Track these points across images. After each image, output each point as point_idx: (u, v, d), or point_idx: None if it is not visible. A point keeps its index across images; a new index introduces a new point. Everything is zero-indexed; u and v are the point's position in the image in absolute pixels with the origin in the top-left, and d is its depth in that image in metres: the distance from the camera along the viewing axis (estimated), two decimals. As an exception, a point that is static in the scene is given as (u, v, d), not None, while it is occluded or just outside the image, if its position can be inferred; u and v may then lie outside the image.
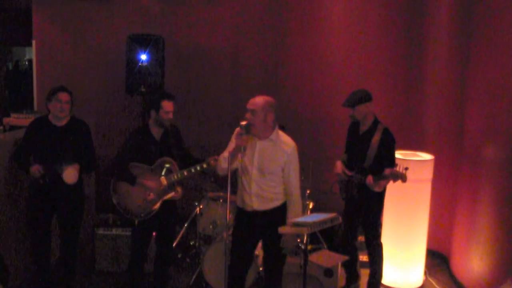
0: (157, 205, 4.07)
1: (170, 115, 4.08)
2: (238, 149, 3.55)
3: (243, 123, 3.55)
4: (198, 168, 4.08)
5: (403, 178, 3.97)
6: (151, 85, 5.49)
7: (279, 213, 3.73)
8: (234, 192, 3.84)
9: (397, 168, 3.98)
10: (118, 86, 5.88)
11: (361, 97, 4.22)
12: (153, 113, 4.07)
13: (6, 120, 5.67)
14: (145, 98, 4.13)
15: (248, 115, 3.61)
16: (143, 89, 5.48)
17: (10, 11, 8.99)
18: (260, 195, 3.68)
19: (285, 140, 3.72)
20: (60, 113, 4.09)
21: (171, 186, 4.11)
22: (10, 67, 11.46)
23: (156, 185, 4.05)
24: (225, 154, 3.65)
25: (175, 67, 6.09)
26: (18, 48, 11.73)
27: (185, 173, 4.08)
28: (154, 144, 4.10)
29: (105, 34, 6.34)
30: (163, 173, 4.09)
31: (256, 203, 3.69)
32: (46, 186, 4.07)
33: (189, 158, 4.29)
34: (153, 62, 5.53)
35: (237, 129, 3.56)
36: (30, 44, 6.61)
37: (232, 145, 3.66)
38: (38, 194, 4.16)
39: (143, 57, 5.51)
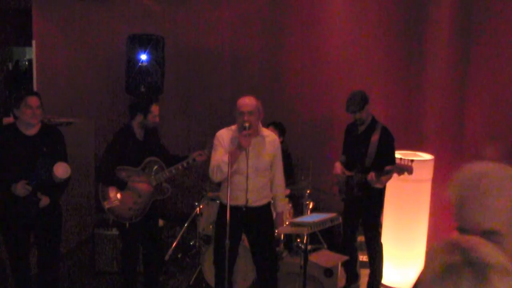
0: (148, 206, 4.07)
1: (157, 118, 4.12)
2: (242, 150, 3.58)
3: (247, 124, 3.55)
4: (185, 164, 4.11)
5: (409, 170, 3.90)
6: (151, 85, 5.49)
7: (268, 210, 3.87)
8: None
9: (401, 161, 3.95)
10: (118, 86, 5.87)
11: (363, 98, 4.20)
12: (139, 116, 4.05)
13: (6, 120, 5.66)
14: (132, 102, 4.13)
15: (246, 117, 3.59)
16: (143, 89, 5.47)
17: (10, 11, 9.00)
18: (256, 191, 3.75)
19: (268, 133, 3.86)
20: (32, 119, 3.66)
21: (160, 186, 4.12)
22: (10, 67, 11.47)
23: (146, 187, 4.04)
24: (224, 158, 3.58)
25: (175, 67, 6.08)
26: (18, 48, 11.74)
27: (173, 170, 4.09)
28: (137, 145, 4.08)
29: (105, 34, 6.34)
30: (151, 173, 4.09)
31: (252, 200, 3.74)
32: (23, 210, 3.59)
33: (170, 155, 4.31)
34: (153, 62, 5.52)
35: (241, 131, 3.56)
36: (30, 44, 6.61)
37: (221, 149, 3.68)
38: (9, 218, 3.66)
39: (143, 57, 5.50)
